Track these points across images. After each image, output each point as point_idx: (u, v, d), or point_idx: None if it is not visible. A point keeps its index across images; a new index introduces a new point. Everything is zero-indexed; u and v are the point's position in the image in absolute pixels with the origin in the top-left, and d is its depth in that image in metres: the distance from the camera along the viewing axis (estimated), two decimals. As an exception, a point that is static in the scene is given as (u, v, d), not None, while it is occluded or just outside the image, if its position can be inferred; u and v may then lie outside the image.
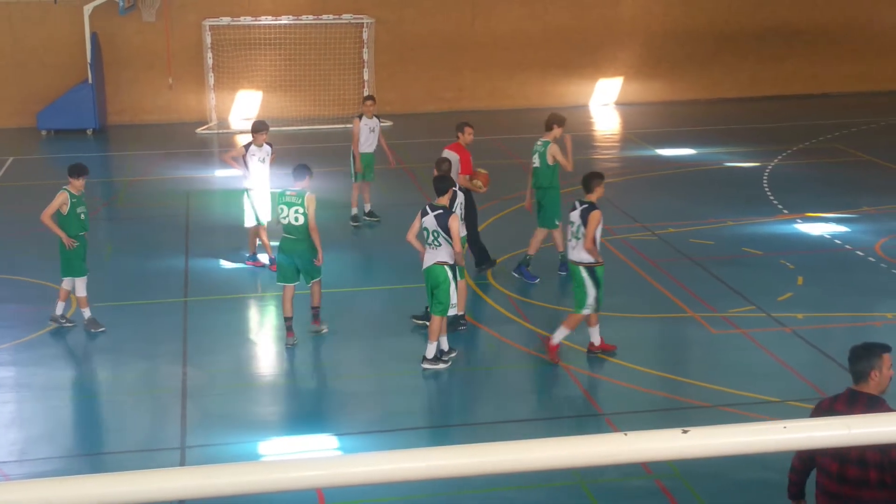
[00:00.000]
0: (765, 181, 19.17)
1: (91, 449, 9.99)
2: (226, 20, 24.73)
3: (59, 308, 12.61)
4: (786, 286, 13.75)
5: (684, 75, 27.34)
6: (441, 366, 11.38)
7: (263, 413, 10.74)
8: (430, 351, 11.37)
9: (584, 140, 22.72)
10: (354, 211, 16.84)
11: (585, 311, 11.33)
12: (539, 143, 14.06)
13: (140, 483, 2.85)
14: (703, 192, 18.60)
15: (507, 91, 26.49)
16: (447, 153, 13.57)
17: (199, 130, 24.50)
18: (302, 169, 12.06)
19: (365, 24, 25.34)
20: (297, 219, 11.80)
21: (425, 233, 11.21)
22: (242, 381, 11.43)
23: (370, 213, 16.89)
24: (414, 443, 9.86)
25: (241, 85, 25.36)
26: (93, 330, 12.48)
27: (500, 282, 14.08)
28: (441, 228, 11.04)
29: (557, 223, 13.94)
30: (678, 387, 11.18)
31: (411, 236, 11.35)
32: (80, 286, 12.39)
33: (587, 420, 10.45)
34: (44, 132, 24.15)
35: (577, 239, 11.35)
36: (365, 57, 25.51)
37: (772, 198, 18.00)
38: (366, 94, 18.57)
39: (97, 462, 9.64)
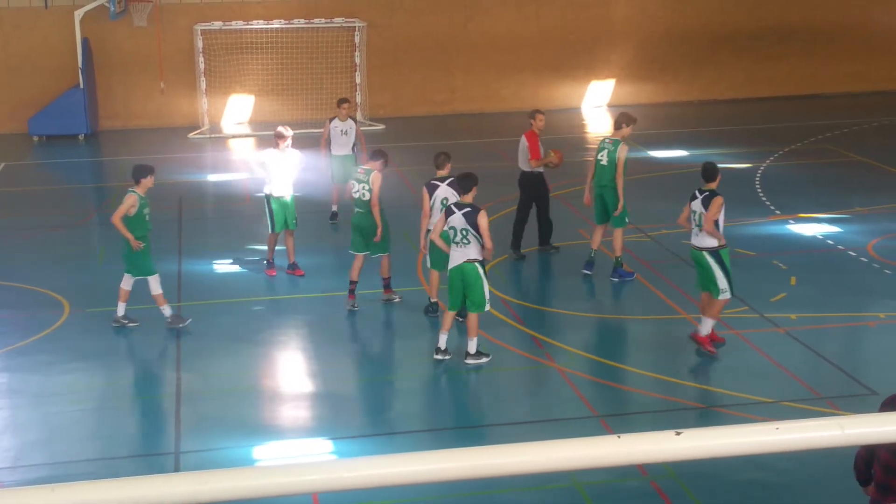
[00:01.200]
0: (757, 182, 19.20)
1: (85, 455, 9.96)
2: (217, 24, 24.69)
3: (121, 309, 12.74)
4: (779, 287, 13.78)
5: (678, 76, 27.35)
6: (483, 359, 11.58)
7: (258, 417, 10.73)
8: (472, 346, 11.57)
9: (577, 142, 22.77)
10: (334, 208, 17.07)
11: (725, 297, 11.60)
12: (608, 140, 14.07)
13: (134, 489, 2.85)
14: (695, 194, 18.55)
15: (501, 93, 26.50)
16: (522, 139, 14.67)
17: (191, 135, 24.47)
18: (379, 153, 13.13)
19: (357, 28, 25.34)
20: (363, 194, 12.87)
21: (452, 231, 11.31)
22: (237, 385, 11.43)
23: None
24: (409, 446, 9.85)
25: (234, 89, 25.34)
26: (179, 325, 12.60)
27: (494, 284, 14.07)
28: (470, 226, 11.14)
29: (628, 220, 14.14)
30: (672, 388, 11.20)
31: (435, 235, 11.60)
32: (154, 284, 12.55)
33: (582, 422, 10.46)
34: (35, 138, 24.08)
35: (700, 225, 11.55)
36: (357, 60, 25.52)
37: (764, 199, 18.03)
38: (340, 97, 18.50)
39: (91, 468, 9.62)
